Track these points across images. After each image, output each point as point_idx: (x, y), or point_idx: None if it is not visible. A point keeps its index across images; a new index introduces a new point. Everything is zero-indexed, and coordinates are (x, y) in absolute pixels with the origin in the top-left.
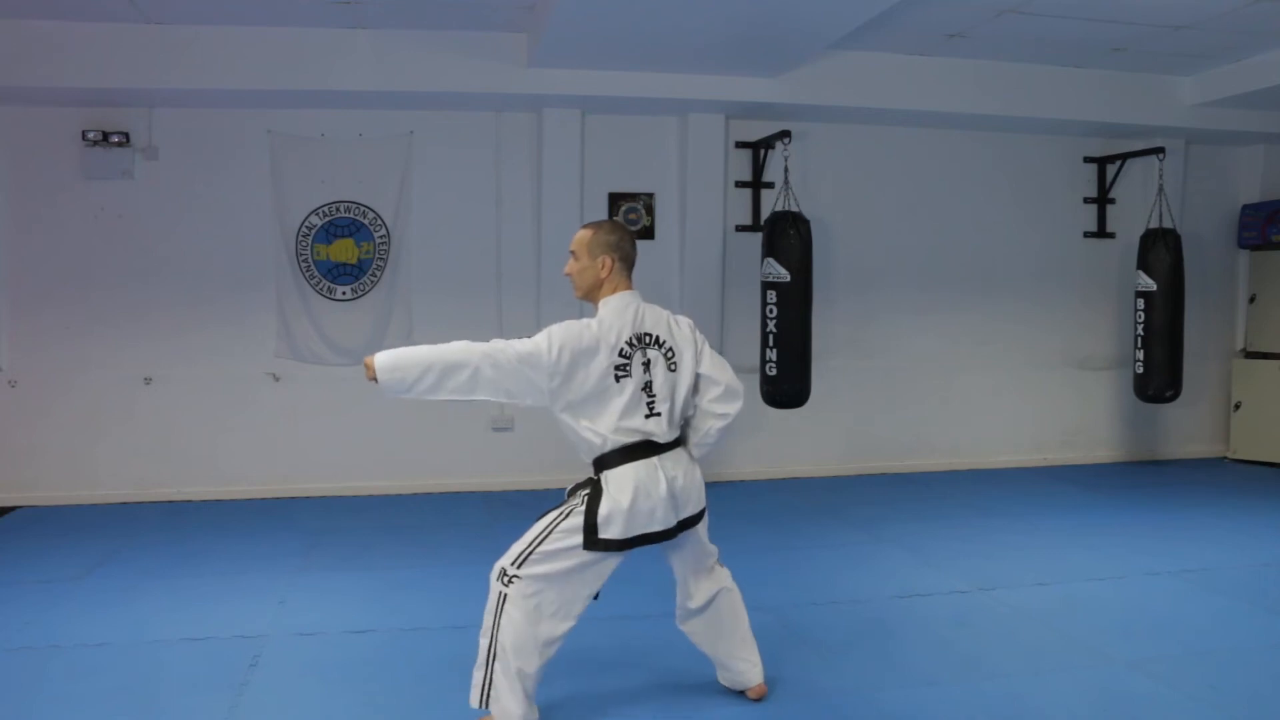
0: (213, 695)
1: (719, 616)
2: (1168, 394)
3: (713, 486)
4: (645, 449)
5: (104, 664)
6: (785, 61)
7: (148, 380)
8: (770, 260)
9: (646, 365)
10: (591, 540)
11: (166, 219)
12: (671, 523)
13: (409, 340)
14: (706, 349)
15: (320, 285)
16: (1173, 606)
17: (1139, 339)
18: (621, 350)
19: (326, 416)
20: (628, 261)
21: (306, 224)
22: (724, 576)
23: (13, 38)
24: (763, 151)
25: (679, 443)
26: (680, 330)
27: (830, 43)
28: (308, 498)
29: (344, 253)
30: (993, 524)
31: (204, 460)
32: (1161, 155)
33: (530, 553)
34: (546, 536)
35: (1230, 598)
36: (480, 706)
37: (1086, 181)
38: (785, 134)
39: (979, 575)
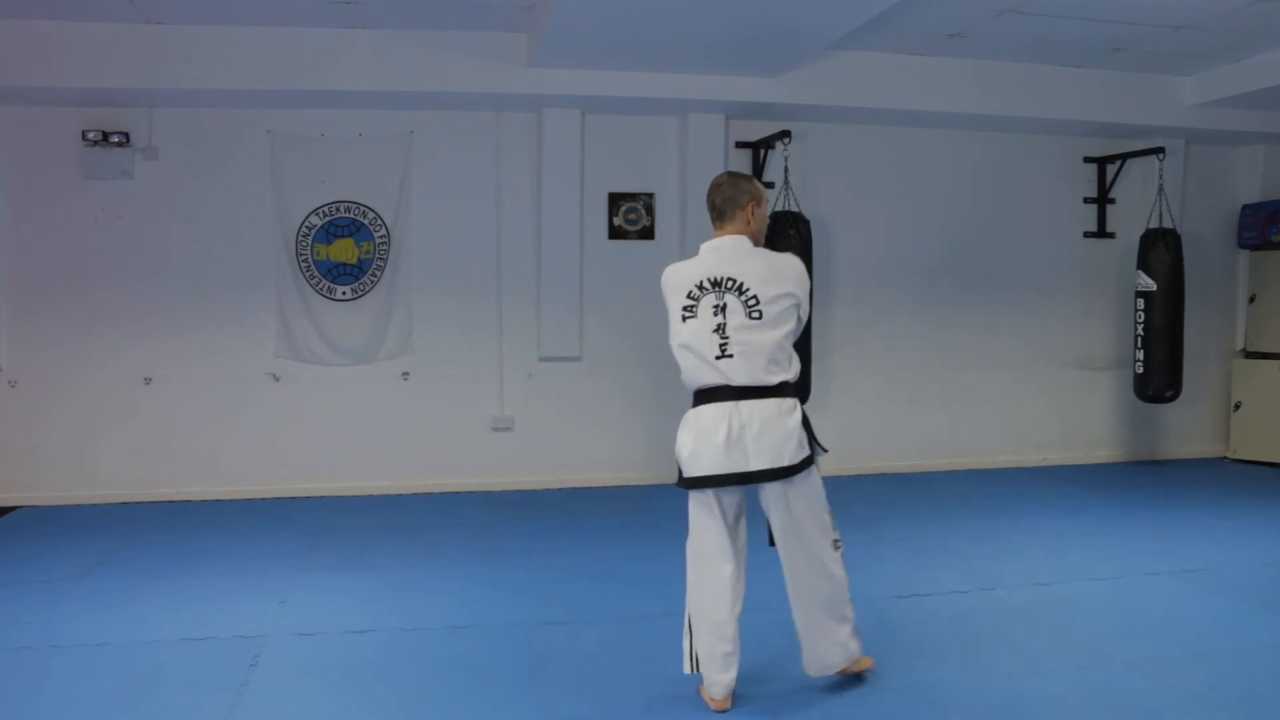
0: (213, 695)
1: (799, 591)
2: (1168, 394)
3: None
4: (722, 393)
5: (104, 664)
6: (785, 61)
7: (148, 380)
8: None
9: (720, 309)
10: (679, 478)
11: (166, 219)
12: (735, 469)
13: (409, 340)
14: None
15: (320, 285)
16: (1173, 606)
17: (1139, 339)
18: (690, 292)
19: (326, 416)
20: (717, 211)
21: (306, 224)
22: (828, 559)
23: (13, 38)
24: (763, 151)
25: (772, 391)
26: (776, 276)
27: (830, 43)
28: (308, 498)
29: (344, 253)
30: (993, 524)
31: (204, 460)
32: (1161, 155)
33: (689, 522)
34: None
35: (1230, 598)
36: (691, 671)
37: (1086, 181)
38: (785, 134)
39: (979, 575)
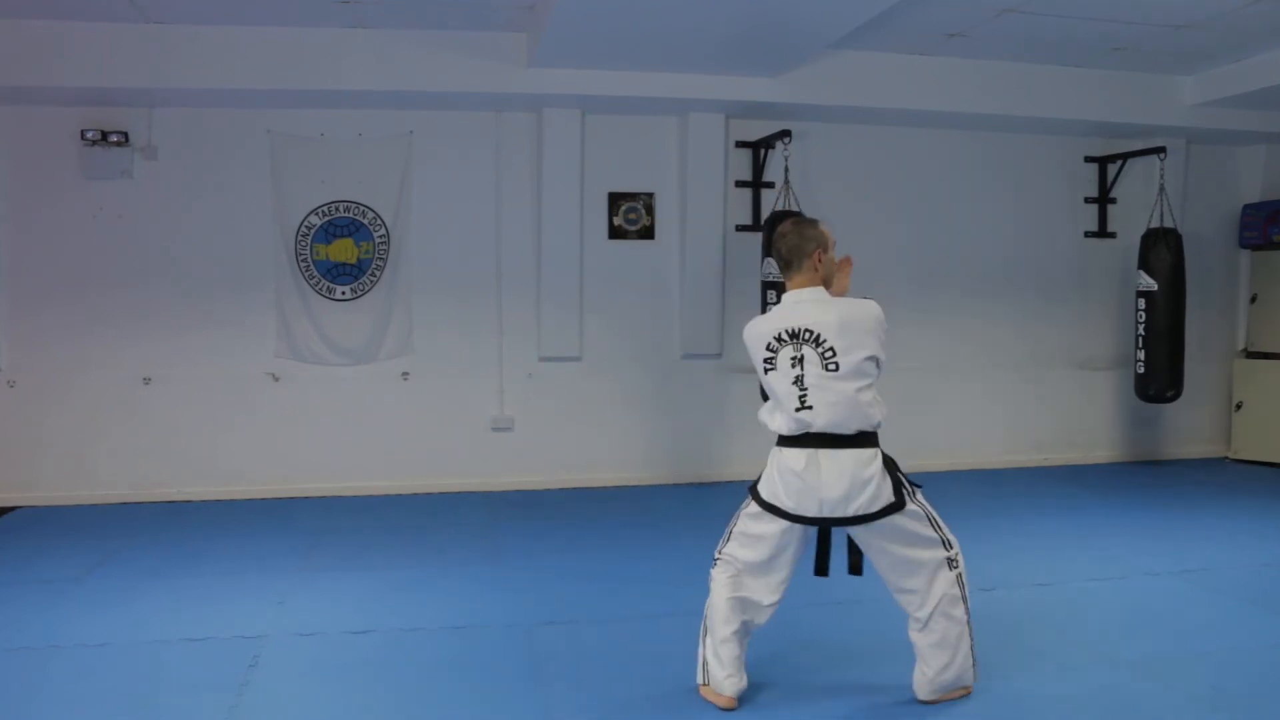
0: (213, 695)
1: (909, 615)
2: (1169, 394)
3: (713, 486)
4: (803, 440)
5: (104, 664)
6: (785, 61)
7: (147, 380)
8: (770, 260)
9: (798, 360)
10: (753, 488)
11: (166, 219)
12: (806, 512)
13: (409, 340)
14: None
15: (320, 285)
16: (1173, 606)
17: (1140, 339)
18: (769, 344)
19: (326, 416)
20: (783, 261)
21: (306, 224)
22: (942, 583)
23: (13, 38)
24: (763, 151)
25: (851, 441)
26: (854, 328)
27: (830, 43)
28: (308, 498)
29: (343, 252)
30: (993, 524)
31: (204, 460)
32: (1162, 155)
33: (728, 535)
34: (737, 519)
35: (1230, 598)
36: (700, 681)
37: (1087, 181)
38: (785, 134)
39: (979, 575)
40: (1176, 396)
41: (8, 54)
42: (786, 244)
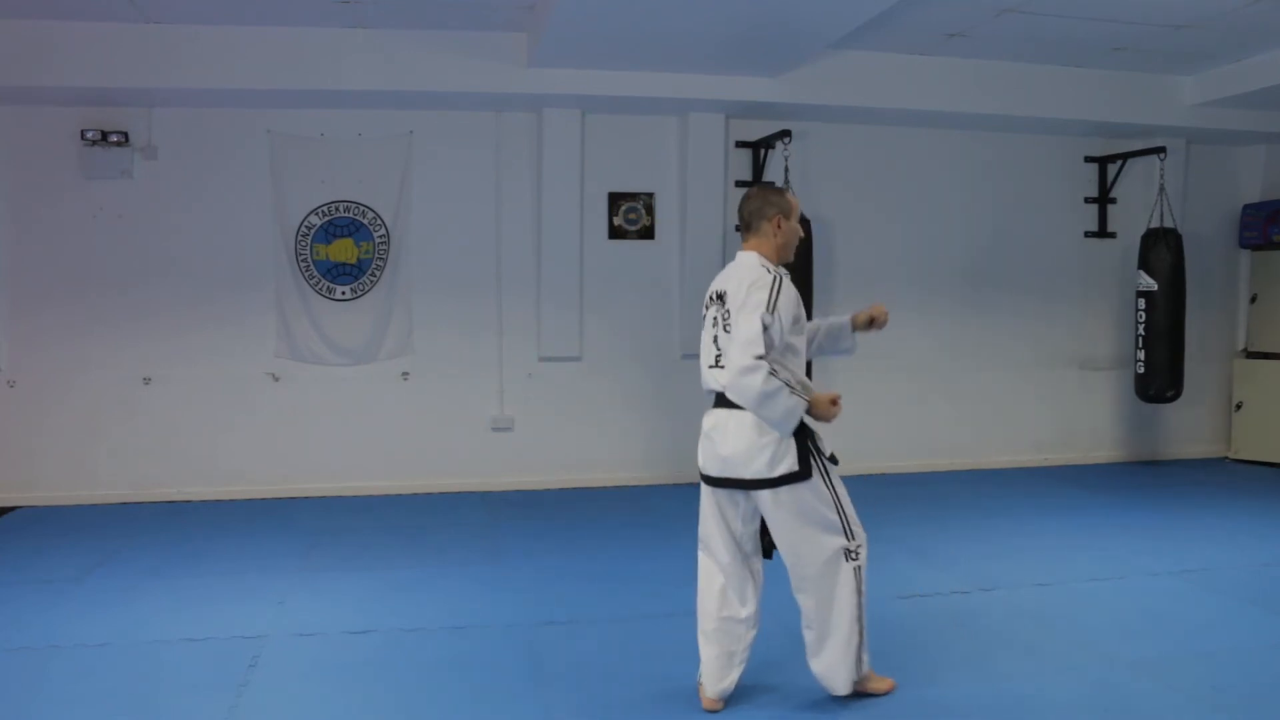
0: (213, 695)
1: (800, 600)
2: (1169, 394)
3: None
4: (717, 399)
5: (104, 664)
6: (785, 61)
7: (147, 380)
8: None
9: (716, 320)
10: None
11: (166, 219)
12: (710, 471)
13: (409, 340)
14: (744, 313)
15: (320, 285)
16: (1173, 606)
17: (1140, 339)
18: (705, 303)
19: (326, 416)
20: (744, 223)
21: (306, 224)
22: (829, 570)
23: (13, 38)
24: (763, 151)
25: None
26: (744, 291)
27: (830, 43)
28: (308, 498)
29: (343, 252)
30: (993, 524)
31: (204, 460)
32: (1162, 155)
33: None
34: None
35: (1230, 598)
36: (699, 679)
37: (1087, 181)
38: (785, 134)
39: (979, 575)
40: (1176, 396)
41: (8, 54)
42: (749, 206)
